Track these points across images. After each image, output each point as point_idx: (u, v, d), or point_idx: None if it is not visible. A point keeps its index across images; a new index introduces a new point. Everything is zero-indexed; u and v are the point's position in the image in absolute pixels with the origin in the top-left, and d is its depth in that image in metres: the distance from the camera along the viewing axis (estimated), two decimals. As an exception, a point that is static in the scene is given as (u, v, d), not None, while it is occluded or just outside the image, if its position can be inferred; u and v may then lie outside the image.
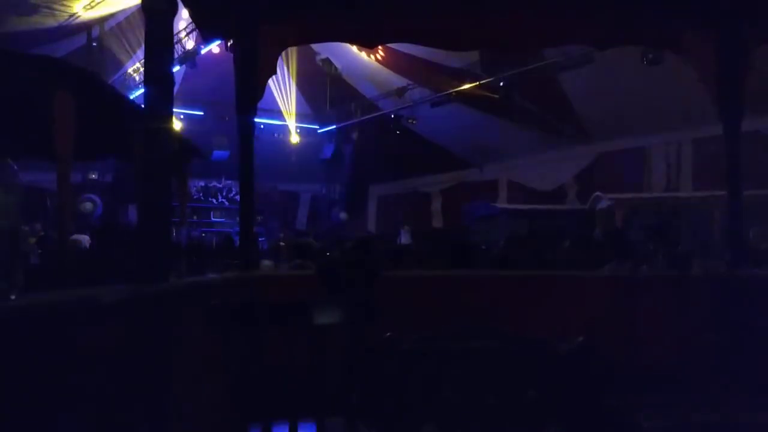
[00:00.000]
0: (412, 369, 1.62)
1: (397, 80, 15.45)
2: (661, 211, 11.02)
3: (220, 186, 18.54)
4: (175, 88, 2.90)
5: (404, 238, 15.11)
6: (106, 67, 13.95)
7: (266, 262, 6.89)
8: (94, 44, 13.91)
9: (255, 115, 4.35)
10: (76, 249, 5.82)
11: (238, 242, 4.54)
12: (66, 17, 12.22)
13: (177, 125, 14.81)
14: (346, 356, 2.16)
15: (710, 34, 4.37)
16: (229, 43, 4.46)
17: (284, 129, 18.59)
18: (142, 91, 11.23)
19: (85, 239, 7.60)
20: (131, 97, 12.54)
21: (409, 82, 15.22)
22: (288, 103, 17.75)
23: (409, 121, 16.22)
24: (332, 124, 18.46)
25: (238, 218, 4.62)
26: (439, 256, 5.74)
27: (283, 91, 17.32)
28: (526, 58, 12.40)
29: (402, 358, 1.62)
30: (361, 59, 15.12)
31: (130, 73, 14.83)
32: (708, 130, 9.64)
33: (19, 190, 1.53)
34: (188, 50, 13.37)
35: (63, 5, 11.74)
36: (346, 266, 3.51)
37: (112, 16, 13.39)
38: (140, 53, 13.15)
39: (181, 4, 2.88)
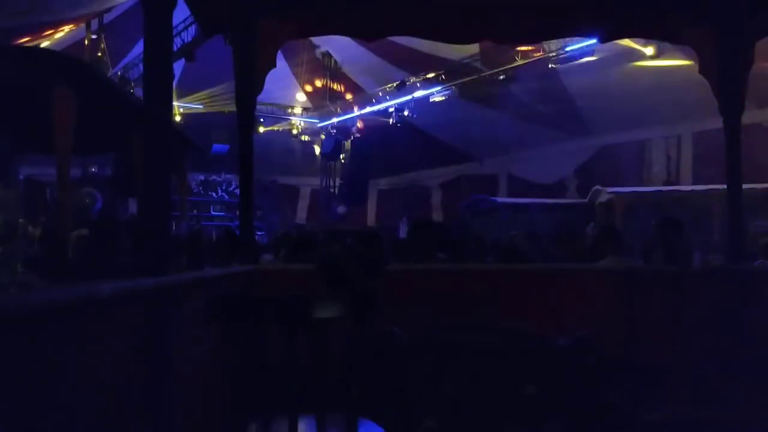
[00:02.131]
0: (413, 364, 1.62)
1: (397, 73, 15.41)
2: (662, 204, 11.02)
3: (220, 180, 18.54)
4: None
5: (403, 231, 15.11)
6: (106, 60, 13.90)
7: (267, 256, 6.88)
8: (94, 37, 13.87)
9: (254, 109, 4.35)
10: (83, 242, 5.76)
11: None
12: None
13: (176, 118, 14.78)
14: (346, 351, 2.16)
15: (712, 26, 4.36)
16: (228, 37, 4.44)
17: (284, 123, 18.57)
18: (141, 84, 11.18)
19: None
20: (130, 91, 12.51)
21: (409, 75, 15.19)
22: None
23: (409, 114, 16.21)
24: (332, 118, 18.44)
25: (237, 212, 4.62)
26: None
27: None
28: (527, 51, 12.38)
29: (402, 353, 1.62)
30: (361, 52, 15.07)
31: (129, 67, 14.79)
32: (708, 123, 9.62)
33: (19, 185, 1.52)
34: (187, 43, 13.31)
35: None
36: (348, 261, 3.51)
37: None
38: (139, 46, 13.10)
39: (180, -2, 2.86)
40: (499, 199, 14.87)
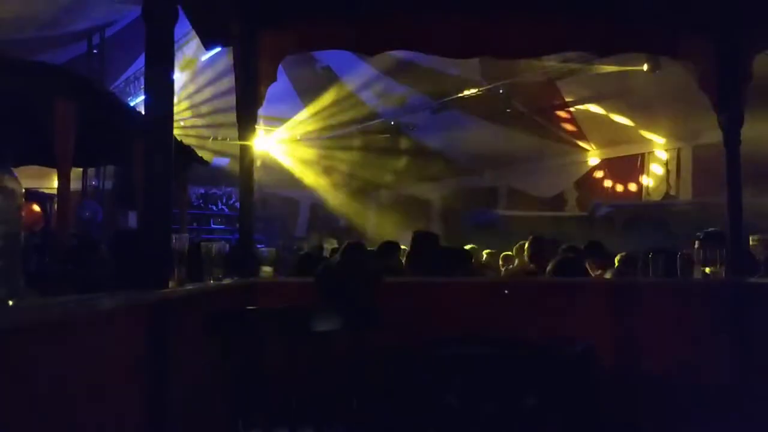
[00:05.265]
0: (414, 375, 1.61)
1: (398, 88, 15.46)
2: (662, 217, 11.01)
3: (220, 193, 18.52)
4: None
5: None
6: (107, 73, 13.94)
7: (266, 269, 6.86)
8: (95, 51, 13.91)
9: (255, 122, 4.36)
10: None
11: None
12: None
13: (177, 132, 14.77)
14: (346, 363, 2.15)
15: (710, 40, 4.38)
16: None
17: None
18: (142, 98, 11.23)
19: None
20: (132, 104, 12.54)
21: (410, 89, 15.24)
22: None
23: (410, 128, 16.25)
24: (333, 132, 18.43)
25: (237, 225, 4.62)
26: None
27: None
28: (527, 65, 12.43)
29: (403, 364, 1.62)
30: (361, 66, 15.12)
31: (130, 80, 14.83)
32: (708, 137, 9.64)
33: (20, 196, 1.53)
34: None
35: None
36: (346, 272, 3.50)
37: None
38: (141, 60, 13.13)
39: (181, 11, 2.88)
40: (499, 212, 14.89)
